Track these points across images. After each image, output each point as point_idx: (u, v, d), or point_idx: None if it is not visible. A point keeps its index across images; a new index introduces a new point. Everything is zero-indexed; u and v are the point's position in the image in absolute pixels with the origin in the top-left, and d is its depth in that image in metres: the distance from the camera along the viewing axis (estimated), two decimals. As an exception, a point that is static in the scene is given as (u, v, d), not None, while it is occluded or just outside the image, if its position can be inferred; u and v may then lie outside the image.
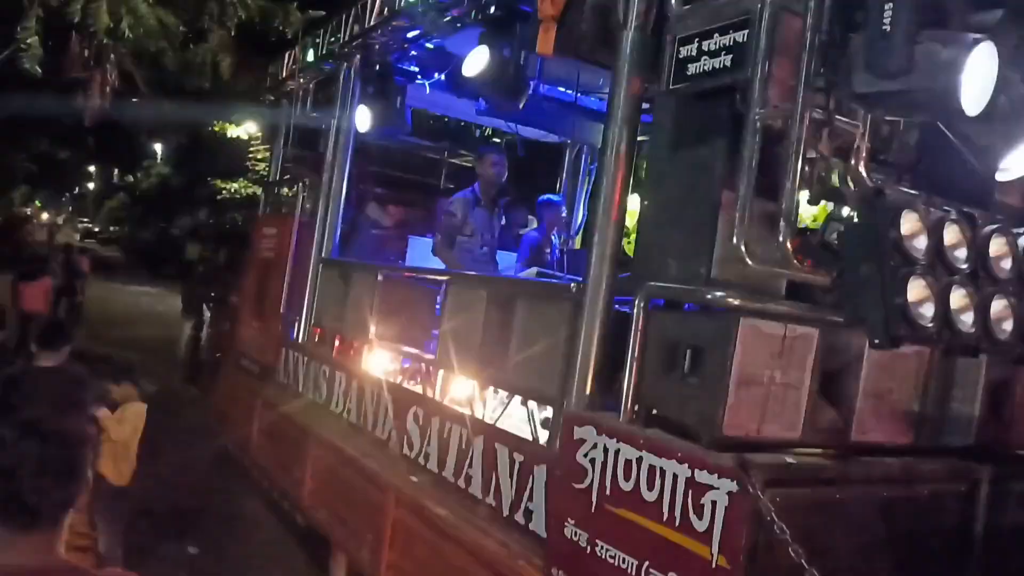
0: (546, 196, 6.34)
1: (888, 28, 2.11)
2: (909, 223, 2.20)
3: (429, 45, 5.59)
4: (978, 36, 2.15)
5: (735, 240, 2.55)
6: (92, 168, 44.09)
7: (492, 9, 4.37)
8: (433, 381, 4.44)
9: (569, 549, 2.96)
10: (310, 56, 6.90)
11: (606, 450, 2.86)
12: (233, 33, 11.91)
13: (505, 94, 4.41)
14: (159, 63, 11.63)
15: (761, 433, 2.64)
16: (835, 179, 2.52)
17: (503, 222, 6.16)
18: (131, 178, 40.91)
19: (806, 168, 2.48)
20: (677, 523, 2.55)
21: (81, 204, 52.68)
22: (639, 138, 3.31)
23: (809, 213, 6.41)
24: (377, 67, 5.90)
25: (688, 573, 2.50)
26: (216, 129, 24.69)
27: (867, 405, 2.85)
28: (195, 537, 5.80)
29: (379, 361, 5.18)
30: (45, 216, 37.72)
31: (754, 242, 2.56)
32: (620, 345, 2.97)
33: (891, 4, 2.11)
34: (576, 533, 2.94)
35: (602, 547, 2.81)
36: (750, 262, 2.53)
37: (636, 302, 2.90)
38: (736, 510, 2.38)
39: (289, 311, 6.52)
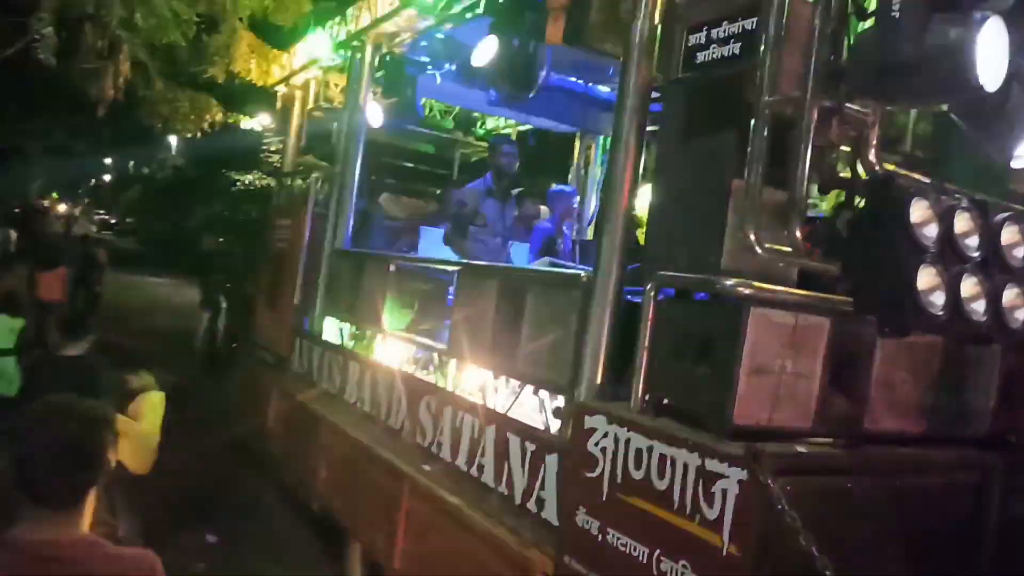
0: (558, 187, 6.34)
1: (897, 14, 2.10)
2: (919, 211, 2.19)
3: (440, 35, 5.59)
4: (986, 13, 2.13)
5: (745, 229, 2.55)
6: (108, 160, 44.34)
7: (502, -2, 4.37)
8: (445, 371, 4.46)
9: (581, 537, 2.98)
10: (322, 47, 6.91)
11: (617, 439, 2.87)
12: (246, 24, 11.94)
13: (515, 84, 4.40)
14: (172, 54, 11.68)
15: (772, 422, 2.63)
16: (845, 167, 2.51)
17: (516, 213, 6.16)
18: (146, 170, 41.17)
19: (816, 157, 2.47)
20: (688, 511, 2.56)
21: (97, 196, 53.02)
22: (650, 128, 3.31)
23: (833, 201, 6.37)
24: (388, 57, 5.90)
25: (699, 561, 2.51)
26: (230, 121, 24.74)
27: (879, 394, 2.84)
28: (213, 525, 5.87)
29: (392, 351, 5.20)
30: (62, 208, 37.98)
31: (764, 231, 2.56)
32: (631, 334, 2.98)
33: (901, -10, 2.10)
34: (588, 521, 2.96)
35: (613, 535, 2.83)
36: (759, 251, 2.53)
37: (646, 291, 2.90)
38: (746, 498, 2.38)
39: (303, 301, 6.56)
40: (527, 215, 6.23)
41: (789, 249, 2.56)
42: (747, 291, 2.60)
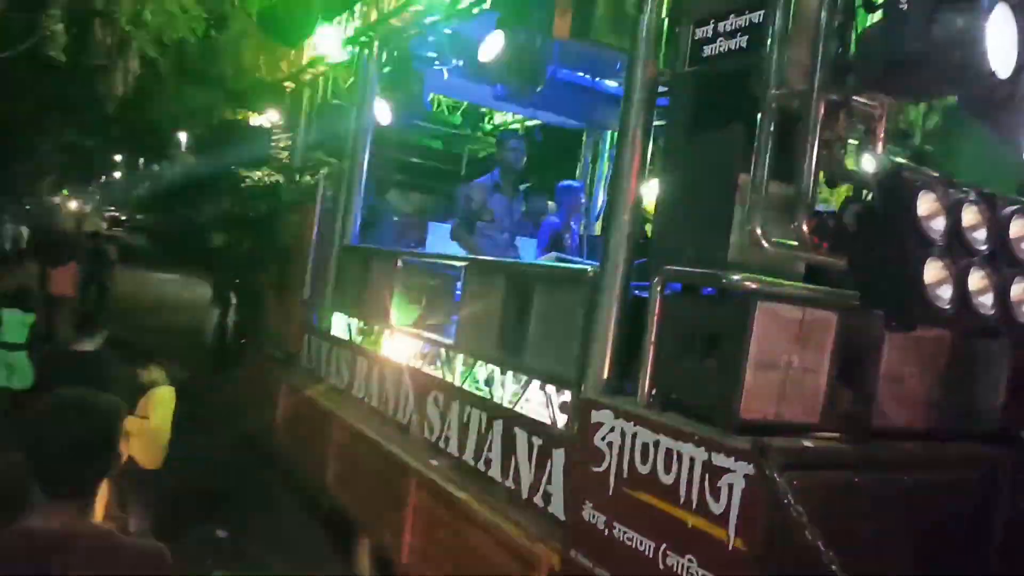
0: (566, 182, 6.33)
1: (905, 5, 2.09)
2: (926, 204, 2.17)
3: (447, 30, 5.59)
4: (993, 0, 2.11)
5: (751, 223, 2.54)
6: (118, 157, 44.52)
7: (508, -7, 4.36)
8: (453, 366, 4.46)
9: (587, 532, 2.98)
10: (329, 43, 6.91)
11: (623, 434, 2.87)
12: (254, 20, 11.96)
13: (522, 79, 4.40)
14: (182, 50, 11.71)
15: (779, 417, 2.63)
16: (853, 161, 2.50)
17: (523, 208, 6.16)
18: (156, 167, 41.32)
19: (823, 150, 2.46)
20: (694, 506, 2.56)
21: (108, 193, 53.25)
22: (658, 122, 3.30)
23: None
24: (395, 53, 5.90)
25: (705, 555, 2.51)
26: (239, 117, 24.80)
27: (887, 389, 2.82)
28: (222, 520, 5.90)
29: (400, 346, 5.21)
30: (73, 205, 38.20)
31: (771, 225, 2.55)
32: (638, 329, 2.98)
33: (908, -18, 2.08)
34: (594, 516, 2.96)
35: (620, 530, 2.83)
36: (766, 245, 2.52)
37: (653, 286, 2.90)
38: (753, 493, 2.38)
39: (311, 297, 6.58)
40: (534, 210, 6.23)
41: (796, 243, 2.55)
42: (754, 285, 2.59)
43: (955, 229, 2.24)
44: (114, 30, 10.13)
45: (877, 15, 2.32)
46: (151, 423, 4.87)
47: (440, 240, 6.28)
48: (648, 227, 3.58)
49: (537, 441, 3.50)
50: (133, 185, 46.56)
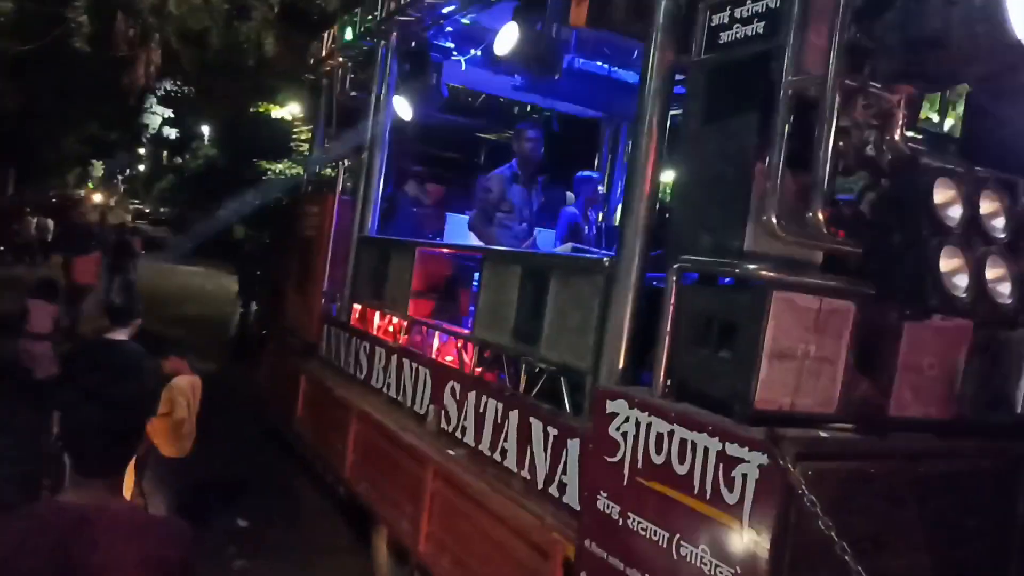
0: (584, 172, 6.31)
1: (923, -10, 2.06)
2: (943, 192, 2.14)
3: (465, 20, 5.58)
4: None
5: (767, 212, 2.52)
6: (142, 150, 44.96)
7: (525, -19, 4.34)
8: (469, 356, 4.47)
9: (602, 521, 2.98)
10: (348, 34, 6.93)
11: (638, 423, 2.86)
12: (276, 10, 11.97)
13: (539, 68, 4.38)
14: (204, 42, 11.75)
15: (795, 407, 2.61)
16: (870, 149, 2.46)
17: (541, 199, 6.15)
18: (180, 159, 41.69)
19: (840, 138, 2.43)
20: (708, 496, 2.54)
21: (132, 185, 53.80)
22: (675, 111, 3.28)
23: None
24: (413, 44, 5.90)
25: (719, 545, 2.50)
26: (261, 110, 24.97)
27: (905, 380, 2.79)
28: (243, 509, 5.96)
29: (417, 337, 5.23)
30: (98, 197, 38.60)
31: (787, 214, 2.52)
32: (653, 319, 2.96)
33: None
34: (608, 506, 2.96)
35: (634, 519, 2.83)
36: (781, 234, 2.50)
37: (669, 276, 2.88)
38: (767, 483, 2.36)
39: (331, 288, 6.61)
40: (552, 201, 6.21)
41: (812, 232, 2.52)
42: (770, 275, 2.57)
43: (973, 217, 2.20)
44: (136, 22, 10.18)
45: None
46: (176, 414, 4.94)
47: (458, 231, 6.29)
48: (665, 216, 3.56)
49: (552, 431, 3.50)
50: (156, 178, 46.96)
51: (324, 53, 7.68)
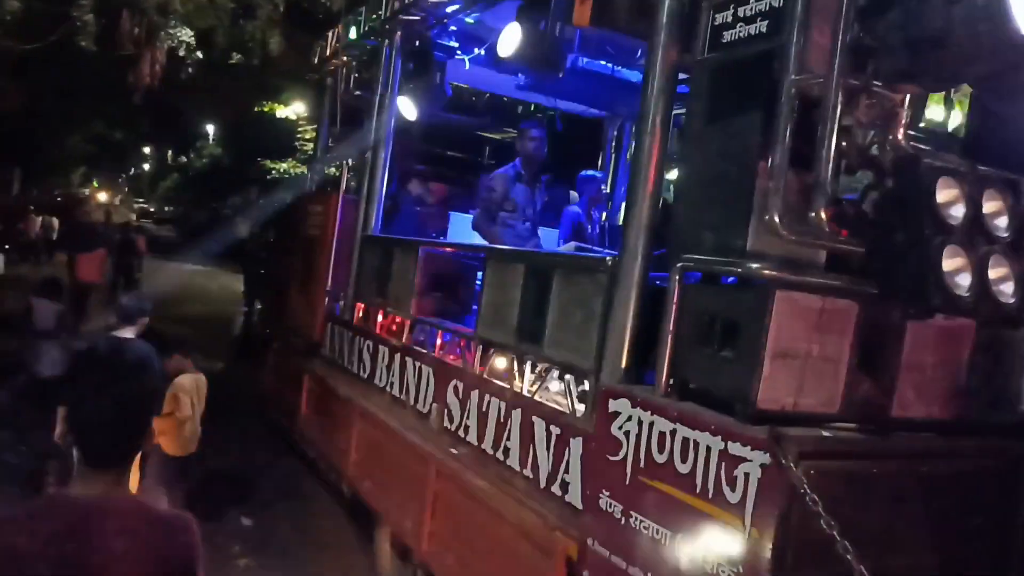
0: (587, 172, 6.31)
1: (926, -11, 2.05)
2: (946, 191, 2.14)
3: (468, 19, 5.58)
4: None
5: (770, 211, 2.52)
6: (147, 149, 45.04)
7: (528, -20, 4.34)
8: (472, 355, 4.47)
9: (604, 520, 2.98)
10: (352, 34, 6.94)
11: (640, 422, 2.87)
12: (281, 9, 11.98)
13: (543, 67, 4.38)
14: (209, 40, 11.77)
15: (797, 407, 2.61)
16: (873, 148, 2.46)
17: (545, 198, 6.14)
18: (184, 158, 41.78)
19: (843, 137, 2.42)
20: (710, 495, 2.55)
21: (137, 185, 53.89)
22: (679, 111, 3.28)
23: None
24: (417, 43, 5.91)
25: (721, 544, 2.50)
26: (265, 109, 25.00)
27: (908, 379, 2.79)
28: (248, 508, 5.98)
29: (420, 336, 5.23)
30: (102, 197, 38.69)
31: (790, 213, 2.52)
32: (656, 318, 2.96)
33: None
34: (611, 504, 2.96)
35: (636, 518, 2.83)
36: (785, 233, 2.50)
37: (672, 275, 2.88)
38: (769, 482, 2.37)
39: (334, 287, 6.62)
40: (556, 200, 6.21)
41: (815, 231, 2.52)
42: (772, 274, 2.57)
43: (975, 216, 2.20)
44: (142, 20, 10.20)
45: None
46: (180, 413, 4.97)
47: (461, 230, 6.29)
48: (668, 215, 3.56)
49: (555, 430, 3.51)
50: (161, 177, 47.09)
51: (328, 52, 7.69)
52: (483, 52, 5.86)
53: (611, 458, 2.97)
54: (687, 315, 2.85)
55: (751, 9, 2.69)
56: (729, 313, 2.70)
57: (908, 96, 2.38)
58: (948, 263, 2.12)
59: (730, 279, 2.84)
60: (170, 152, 45.23)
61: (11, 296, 10.50)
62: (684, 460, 2.66)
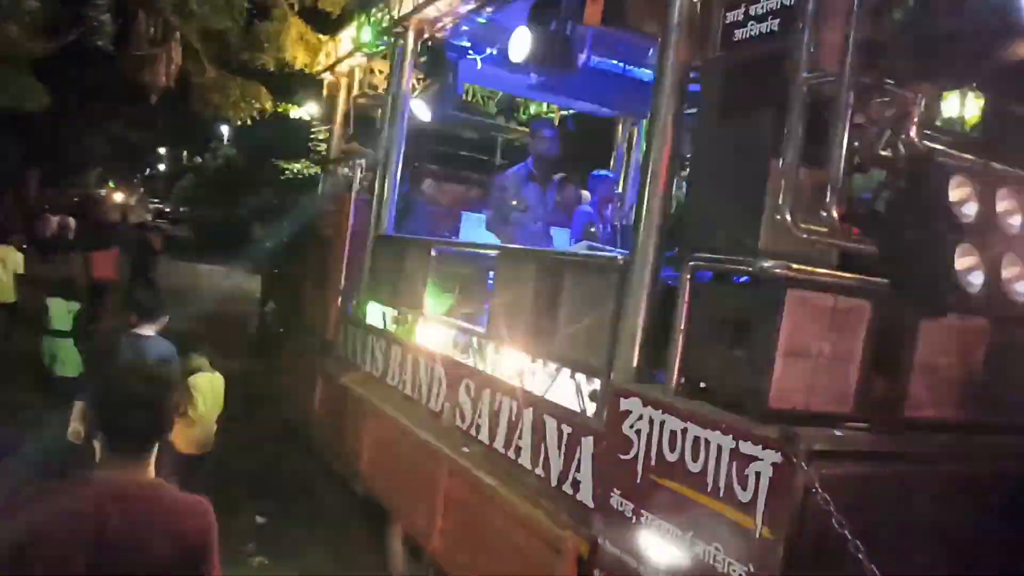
0: (599, 171, 6.30)
1: (938, -13, 2.04)
2: (958, 189, 2.13)
3: (481, 19, 5.59)
4: None
5: (782, 209, 2.51)
6: (162, 150, 45.30)
7: (541, -19, 4.35)
8: (484, 354, 4.48)
9: (615, 519, 2.98)
10: (366, 34, 6.96)
11: (651, 421, 2.87)
12: (296, 10, 12.04)
13: (555, 67, 4.39)
14: (224, 40, 11.84)
15: (809, 406, 2.60)
16: (886, 146, 2.45)
17: (557, 197, 6.14)
18: (199, 159, 42.00)
19: (855, 135, 2.41)
20: (721, 494, 2.55)
21: (152, 185, 54.21)
22: (691, 111, 3.27)
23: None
24: (429, 43, 5.92)
25: (732, 544, 2.49)
26: (279, 110, 25.09)
27: (921, 379, 2.78)
28: (262, 506, 6.01)
29: (433, 334, 5.25)
30: (118, 197, 38.93)
31: (802, 212, 2.51)
32: (667, 317, 2.96)
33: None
34: (622, 503, 2.96)
35: (647, 517, 2.83)
36: (797, 232, 2.49)
37: (683, 274, 2.88)
38: (780, 482, 2.36)
39: (348, 286, 6.65)
40: (568, 200, 6.21)
41: (827, 230, 2.51)
42: (785, 272, 2.56)
43: (988, 214, 2.19)
44: (158, 20, 10.27)
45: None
46: (196, 412, 5.01)
47: (474, 229, 6.30)
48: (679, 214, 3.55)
49: (567, 429, 3.51)
50: (176, 177, 47.34)
51: (342, 52, 7.71)
52: (495, 52, 5.87)
53: (622, 457, 2.97)
54: (698, 314, 2.84)
55: (762, 7, 2.68)
56: (741, 312, 2.70)
57: (921, 94, 2.36)
58: (961, 262, 2.11)
59: (742, 278, 2.83)
60: (185, 153, 45.45)
61: (28, 295, 10.58)
62: (695, 459, 2.66)
